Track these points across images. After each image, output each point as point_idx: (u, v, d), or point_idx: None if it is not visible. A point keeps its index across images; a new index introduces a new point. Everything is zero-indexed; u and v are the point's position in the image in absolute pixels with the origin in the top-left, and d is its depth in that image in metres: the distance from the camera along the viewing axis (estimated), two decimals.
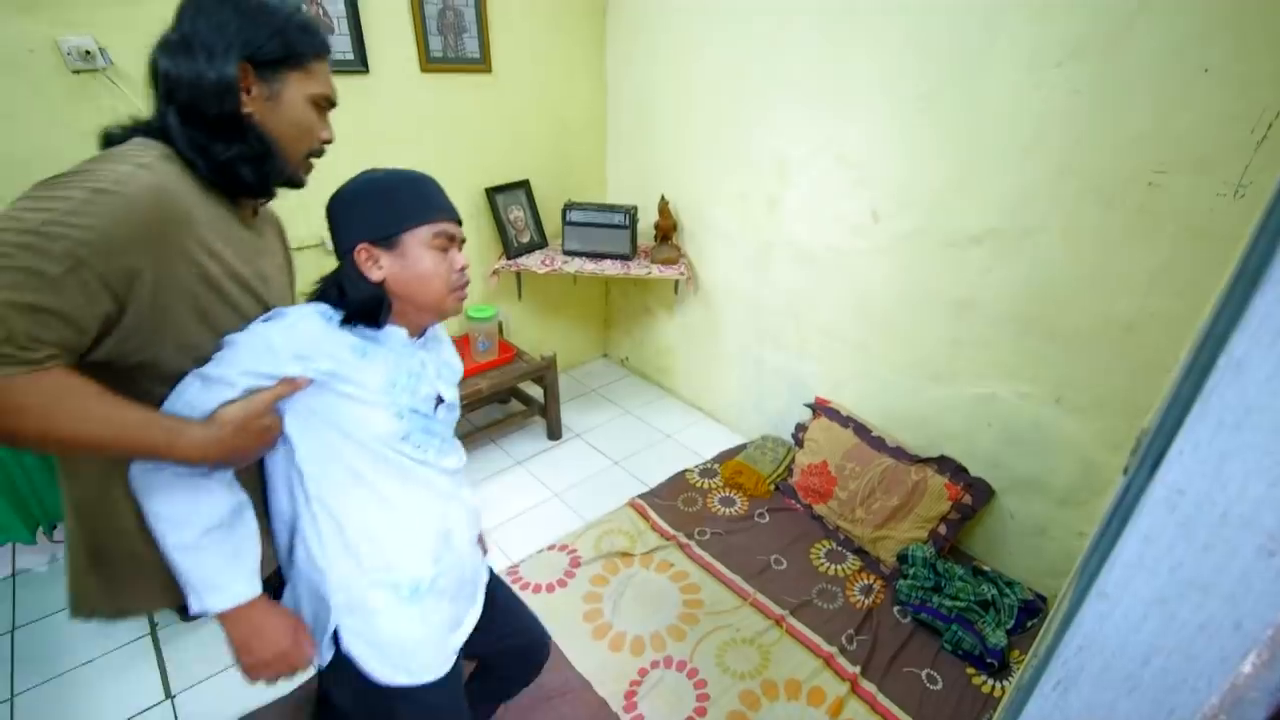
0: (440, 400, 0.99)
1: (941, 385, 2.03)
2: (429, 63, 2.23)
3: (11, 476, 1.87)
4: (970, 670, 1.73)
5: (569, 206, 2.57)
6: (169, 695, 1.64)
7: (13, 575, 1.98)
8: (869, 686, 1.68)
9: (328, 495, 0.89)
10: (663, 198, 2.59)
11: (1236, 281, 0.46)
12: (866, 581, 2.00)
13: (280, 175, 0.93)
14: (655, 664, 1.74)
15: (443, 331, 1.10)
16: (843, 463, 2.20)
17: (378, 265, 0.90)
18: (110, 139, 0.85)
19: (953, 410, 2.03)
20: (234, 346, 0.83)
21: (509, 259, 2.56)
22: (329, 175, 2.31)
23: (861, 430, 2.22)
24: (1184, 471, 0.47)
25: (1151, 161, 1.44)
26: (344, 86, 2.20)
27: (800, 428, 2.40)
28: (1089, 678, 0.57)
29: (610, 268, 2.54)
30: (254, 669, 0.87)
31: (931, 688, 1.68)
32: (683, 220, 2.68)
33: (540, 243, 2.71)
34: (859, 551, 2.11)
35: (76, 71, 1.63)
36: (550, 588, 1.97)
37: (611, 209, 2.56)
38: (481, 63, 2.37)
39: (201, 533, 0.82)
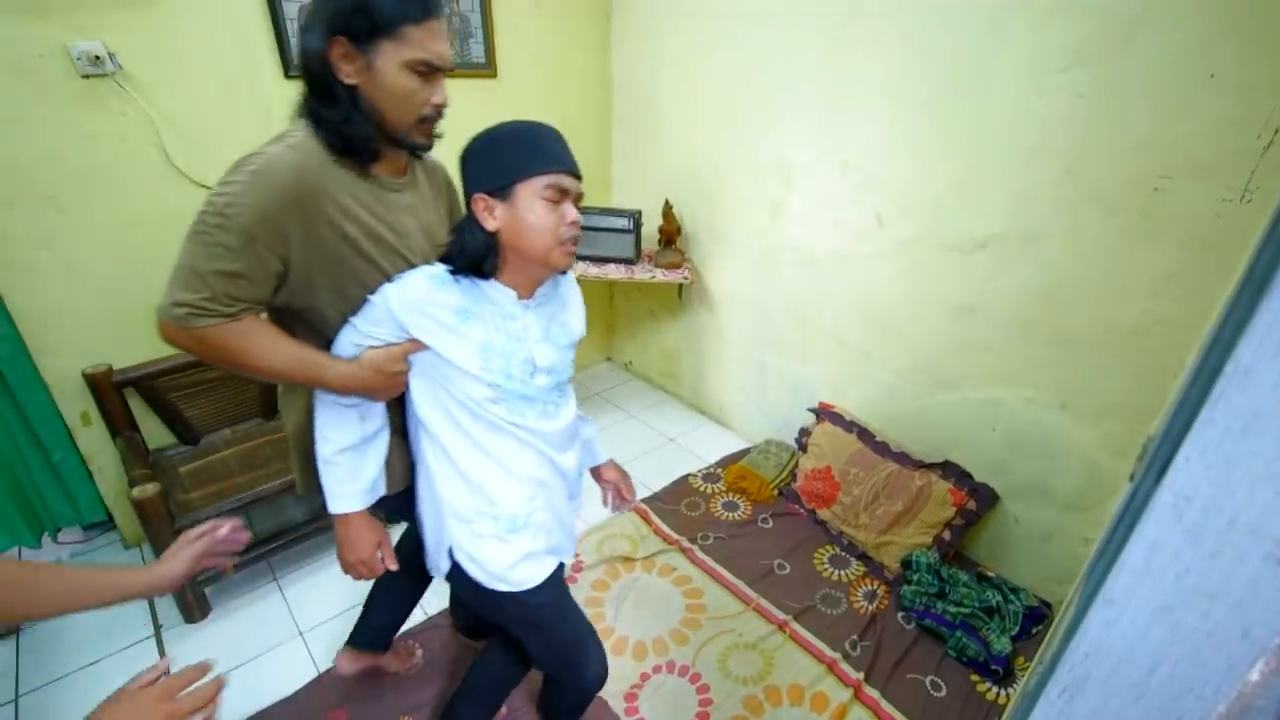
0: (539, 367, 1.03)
1: (946, 390, 2.03)
2: None
3: (19, 480, 1.89)
4: (975, 677, 1.72)
5: None
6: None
7: None
8: (872, 693, 1.67)
9: (441, 437, 1.01)
10: (666, 202, 2.59)
11: (1243, 287, 0.46)
12: (870, 587, 1.99)
13: (391, 141, 1.00)
14: (657, 668, 1.74)
15: (571, 293, 1.13)
16: (846, 468, 2.19)
17: (492, 215, 0.94)
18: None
19: (957, 415, 2.03)
20: (369, 304, 0.98)
21: None
22: None
23: (865, 435, 2.22)
24: (1190, 478, 0.47)
25: (1156, 167, 1.44)
26: None
27: (804, 432, 2.40)
28: (1095, 685, 0.57)
29: (614, 271, 2.55)
30: (344, 566, 1.10)
31: (935, 695, 1.67)
32: (687, 225, 2.69)
33: None
34: (863, 557, 2.10)
35: (86, 76, 1.64)
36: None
37: (616, 213, 2.56)
38: (487, 67, 2.38)
39: (337, 450, 1.02)
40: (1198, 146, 1.38)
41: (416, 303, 0.95)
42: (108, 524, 2.11)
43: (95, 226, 1.78)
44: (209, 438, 2.09)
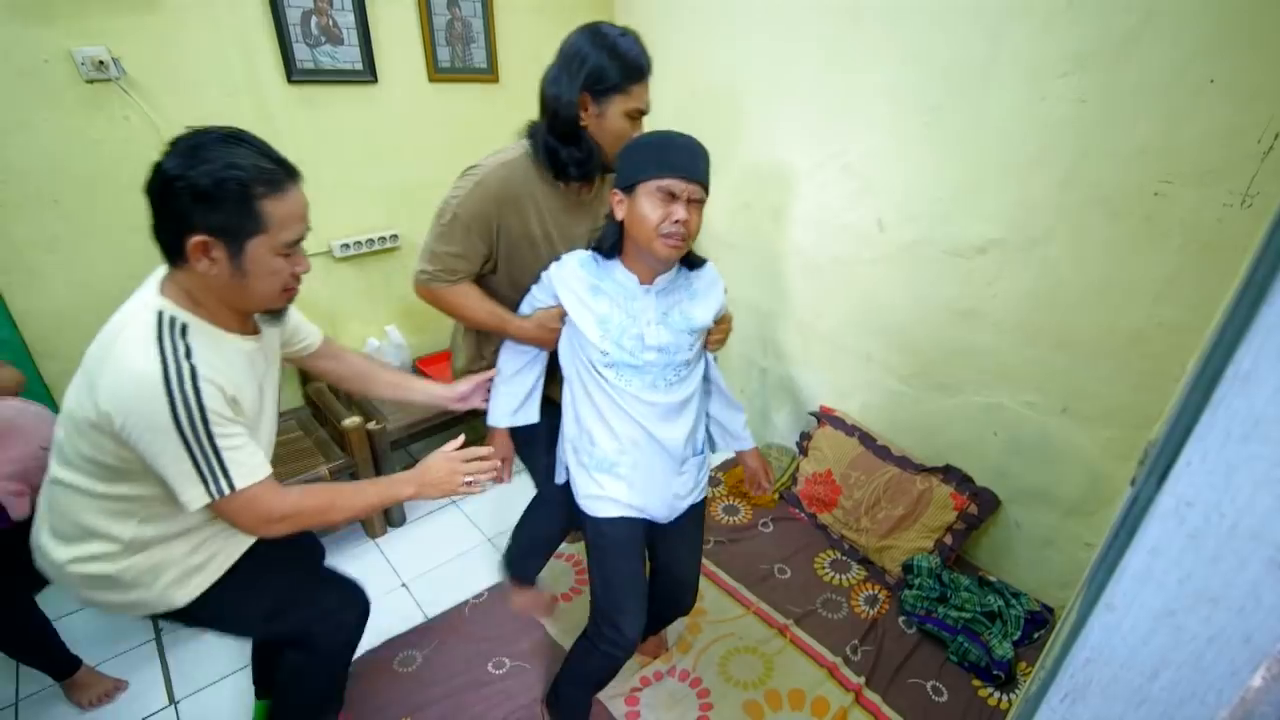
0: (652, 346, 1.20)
1: (947, 395, 2.03)
2: (437, 73, 2.25)
3: None
4: (976, 682, 1.71)
5: None
6: (172, 701, 1.64)
7: None
8: (873, 698, 1.66)
9: (572, 383, 1.28)
10: None
11: (1244, 292, 0.46)
12: (871, 591, 1.99)
13: (598, 170, 1.29)
14: (658, 673, 1.74)
15: (705, 286, 1.27)
16: (848, 471, 2.19)
17: (620, 207, 1.14)
18: (530, 132, 1.29)
19: (958, 420, 2.03)
20: (542, 276, 1.28)
21: None
22: (343, 180, 2.32)
23: (866, 439, 2.22)
24: (1192, 483, 0.47)
25: (1158, 172, 1.44)
26: (352, 96, 2.23)
27: (805, 436, 2.40)
28: (1097, 690, 0.57)
29: None
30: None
31: (937, 699, 1.67)
32: None
33: None
34: (864, 561, 2.10)
35: (90, 81, 1.65)
36: (554, 600, 1.97)
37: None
38: (489, 72, 2.39)
39: (503, 380, 1.36)
40: (1199, 151, 1.38)
41: (564, 278, 1.23)
42: None
43: (98, 230, 1.79)
44: None
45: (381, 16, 2.07)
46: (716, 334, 1.31)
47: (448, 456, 1.16)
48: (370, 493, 1.12)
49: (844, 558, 2.13)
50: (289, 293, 1.02)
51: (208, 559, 1.10)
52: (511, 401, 1.36)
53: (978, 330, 1.88)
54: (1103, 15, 1.44)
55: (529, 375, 1.36)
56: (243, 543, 1.15)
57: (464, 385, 1.36)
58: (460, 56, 2.30)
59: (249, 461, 0.98)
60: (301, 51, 1.94)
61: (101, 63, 1.63)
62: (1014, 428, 1.89)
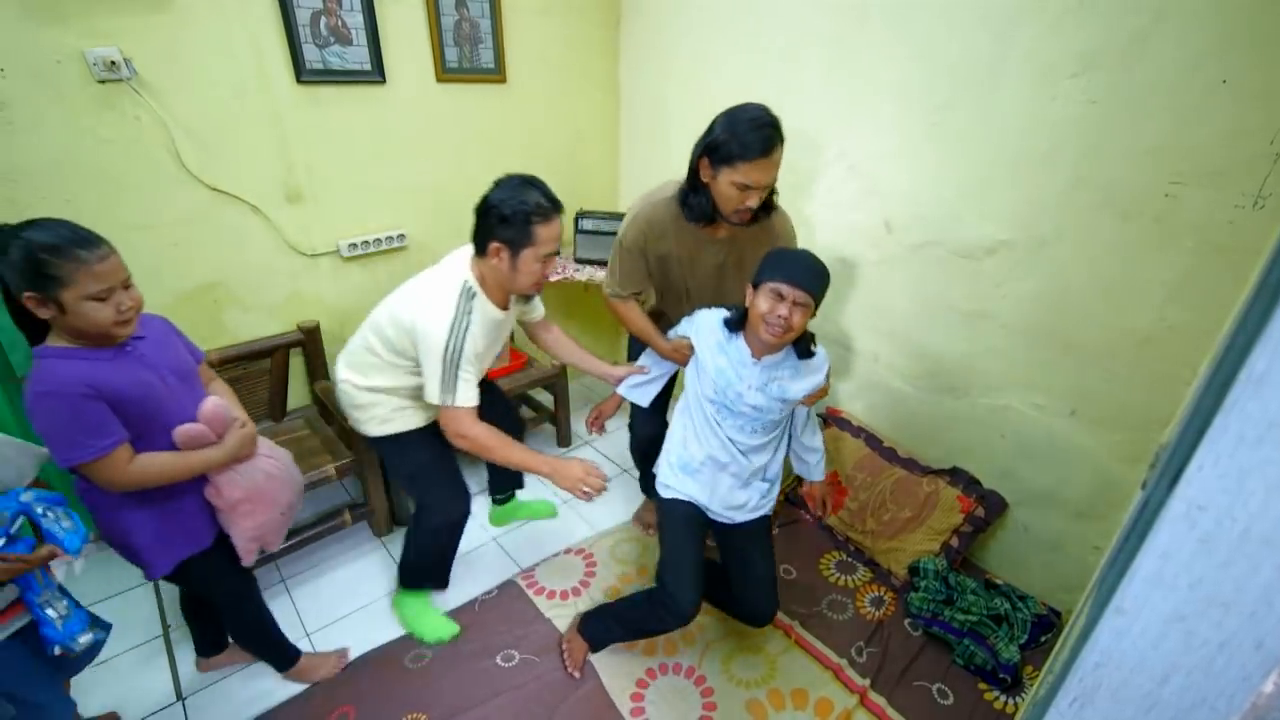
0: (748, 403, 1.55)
1: (954, 397, 2.02)
2: (445, 73, 2.26)
3: None
4: (982, 686, 1.70)
5: (581, 215, 2.58)
6: (180, 698, 1.65)
7: None
8: (878, 699, 1.66)
9: (686, 397, 1.67)
10: None
11: (1257, 294, 0.45)
12: (877, 593, 1.98)
13: (710, 218, 1.54)
14: (664, 667, 1.74)
15: (811, 369, 1.55)
16: (853, 473, 2.18)
17: (749, 296, 1.46)
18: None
19: (966, 422, 2.02)
20: (689, 316, 1.68)
21: None
22: (351, 180, 2.33)
23: (873, 440, 2.21)
24: (1203, 487, 0.47)
25: (1168, 173, 1.43)
26: (361, 97, 2.24)
27: None
28: (1106, 694, 0.56)
29: None
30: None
31: (942, 702, 1.66)
32: None
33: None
34: (870, 563, 2.09)
35: (101, 81, 1.67)
36: (564, 595, 1.98)
37: (623, 218, 2.57)
38: (496, 73, 2.40)
39: (644, 383, 1.83)
40: (1210, 153, 1.37)
41: (699, 328, 1.62)
42: None
43: (109, 229, 1.77)
44: None
45: (390, 17, 2.08)
46: (811, 399, 1.62)
47: (585, 465, 1.52)
48: (521, 453, 1.54)
49: (849, 559, 2.12)
50: (539, 286, 1.54)
51: (399, 418, 1.65)
52: (638, 386, 1.85)
53: (986, 332, 1.87)
54: (1112, 15, 1.43)
55: (654, 379, 1.84)
56: (421, 422, 1.67)
57: (621, 370, 1.85)
58: (468, 57, 2.31)
59: (467, 393, 1.48)
60: (311, 52, 1.95)
61: (113, 63, 1.65)
62: (1022, 430, 1.88)
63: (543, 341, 1.90)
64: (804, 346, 1.52)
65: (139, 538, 1.28)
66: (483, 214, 1.45)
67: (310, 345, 2.24)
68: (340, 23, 1.98)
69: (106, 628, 1.32)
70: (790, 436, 1.73)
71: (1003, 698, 1.67)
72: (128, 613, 1.89)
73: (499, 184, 1.45)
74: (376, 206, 2.28)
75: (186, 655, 1.76)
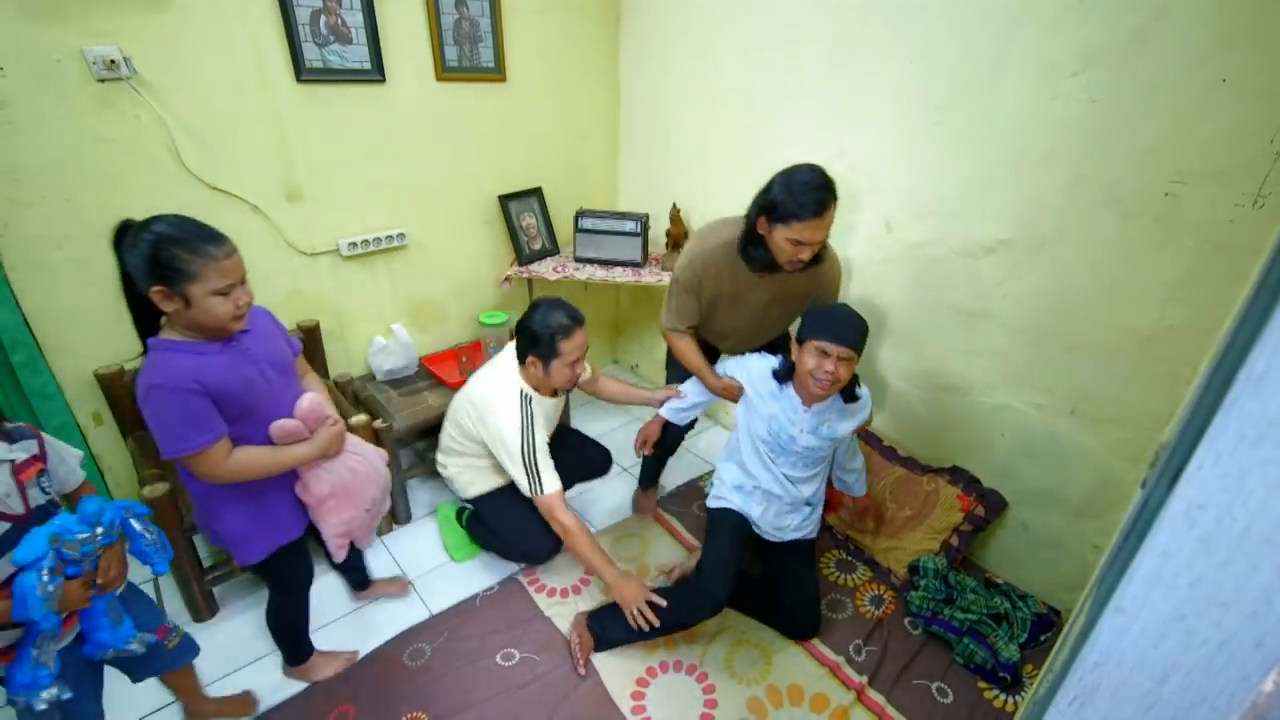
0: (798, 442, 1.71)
1: (955, 396, 2.02)
2: (444, 72, 2.26)
3: None
4: (982, 684, 1.70)
5: (581, 214, 2.58)
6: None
7: None
8: (877, 697, 1.66)
9: (738, 429, 1.82)
10: (674, 205, 2.60)
11: (1257, 294, 0.45)
12: (876, 592, 1.98)
13: (768, 267, 1.65)
14: (665, 665, 1.74)
15: (858, 409, 1.71)
16: None
17: (795, 350, 1.61)
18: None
19: (966, 421, 2.02)
20: (740, 358, 1.82)
21: (521, 265, 2.58)
22: (351, 179, 2.33)
23: (873, 439, 2.21)
24: (1203, 486, 0.47)
25: (1169, 172, 1.43)
26: (360, 95, 2.24)
27: None
28: (1106, 693, 0.56)
29: (621, 275, 2.55)
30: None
31: (942, 700, 1.66)
32: (694, 228, 2.69)
33: (552, 250, 2.72)
34: (869, 562, 2.09)
35: (101, 80, 1.66)
36: (565, 593, 1.98)
37: (623, 216, 2.57)
38: (496, 71, 2.40)
39: (682, 399, 1.95)
40: (1210, 151, 1.37)
41: (751, 376, 1.77)
42: None
43: (108, 228, 1.78)
44: None
45: (389, 16, 2.08)
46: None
47: (645, 591, 1.69)
48: (594, 556, 1.71)
49: (849, 558, 2.12)
50: (571, 383, 1.80)
51: (481, 481, 1.97)
52: (680, 410, 1.98)
53: (986, 331, 1.87)
54: (1113, 13, 1.43)
55: (696, 405, 1.97)
56: (499, 483, 1.97)
57: (660, 394, 2.01)
58: (468, 56, 2.30)
59: (551, 481, 1.74)
60: (310, 51, 1.95)
61: (113, 62, 1.64)
62: (1022, 429, 1.88)
63: (595, 391, 2.09)
64: (850, 391, 1.65)
65: (233, 527, 1.34)
66: (519, 334, 1.72)
67: (310, 344, 2.23)
68: (340, 21, 1.98)
69: (178, 636, 1.40)
70: (833, 462, 1.90)
71: (1003, 696, 1.67)
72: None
73: (532, 308, 1.71)
74: (376, 205, 2.28)
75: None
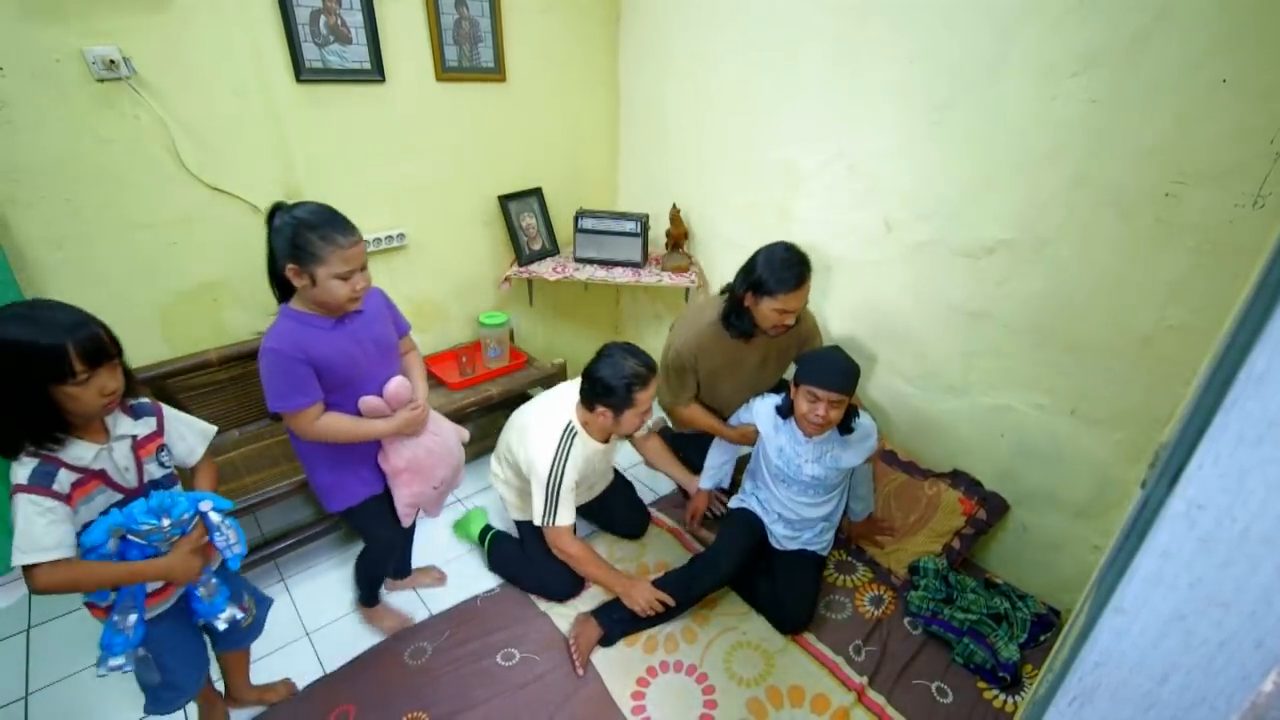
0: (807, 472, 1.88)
1: (954, 396, 2.02)
2: (444, 72, 2.26)
3: None
4: (981, 684, 1.70)
5: (581, 214, 2.58)
6: None
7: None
8: (877, 697, 1.66)
9: (757, 456, 2.00)
10: (674, 206, 2.60)
11: (1257, 293, 0.45)
12: (876, 592, 1.98)
13: (751, 334, 1.90)
14: (665, 665, 1.75)
15: (859, 439, 1.83)
16: None
17: (793, 391, 1.78)
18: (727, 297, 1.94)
19: (966, 422, 2.02)
20: (747, 404, 2.02)
21: (521, 266, 2.58)
22: (350, 179, 2.32)
23: None
24: (1203, 486, 0.46)
25: (1170, 172, 1.43)
26: (360, 96, 2.24)
27: None
28: (1106, 694, 0.56)
29: (621, 275, 2.55)
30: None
31: (941, 700, 1.66)
32: (694, 229, 2.69)
33: (552, 250, 2.72)
34: (870, 563, 2.09)
35: (101, 80, 1.66)
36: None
37: (623, 216, 2.57)
38: (496, 72, 2.40)
39: (713, 465, 2.19)
40: (1211, 152, 1.37)
41: (759, 415, 1.94)
42: None
43: (108, 228, 1.80)
44: (218, 438, 2.09)
45: (389, 16, 2.08)
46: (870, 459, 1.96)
47: (653, 592, 1.78)
48: (602, 573, 1.81)
49: (850, 559, 2.12)
50: (636, 429, 1.78)
51: (528, 508, 1.85)
52: (715, 475, 2.19)
53: (987, 332, 1.87)
54: (1114, 13, 1.43)
55: (725, 464, 2.18)
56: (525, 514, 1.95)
57: (695, 482, 2.21)
58: (467, 56, 2.30)
59: (565, 515, 1.75)
60: (310, 51, 1.95)
61: (112, 62, 1.64)
62: (1022, 430, 1.88)
63: (642, 449, 2.21)
64: (844, 425, 1.78)
65: (321, 479, 1.54)
66: (589, 380, 1.71)
67: None
68: (340, 21, 1.98)
69: (263, 602, 1.49)
70: (848, 489, 2.01)
71: (1002, 696, 1.67)
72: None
73: (604, 356, 1.70)
74: (376, 206, 2.28)
75: None
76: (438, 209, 2.44)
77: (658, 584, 1.84)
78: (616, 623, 1.80)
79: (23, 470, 1.01)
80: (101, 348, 1.02)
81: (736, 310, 1.87)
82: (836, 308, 2.26)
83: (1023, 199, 1.69)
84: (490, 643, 1.79)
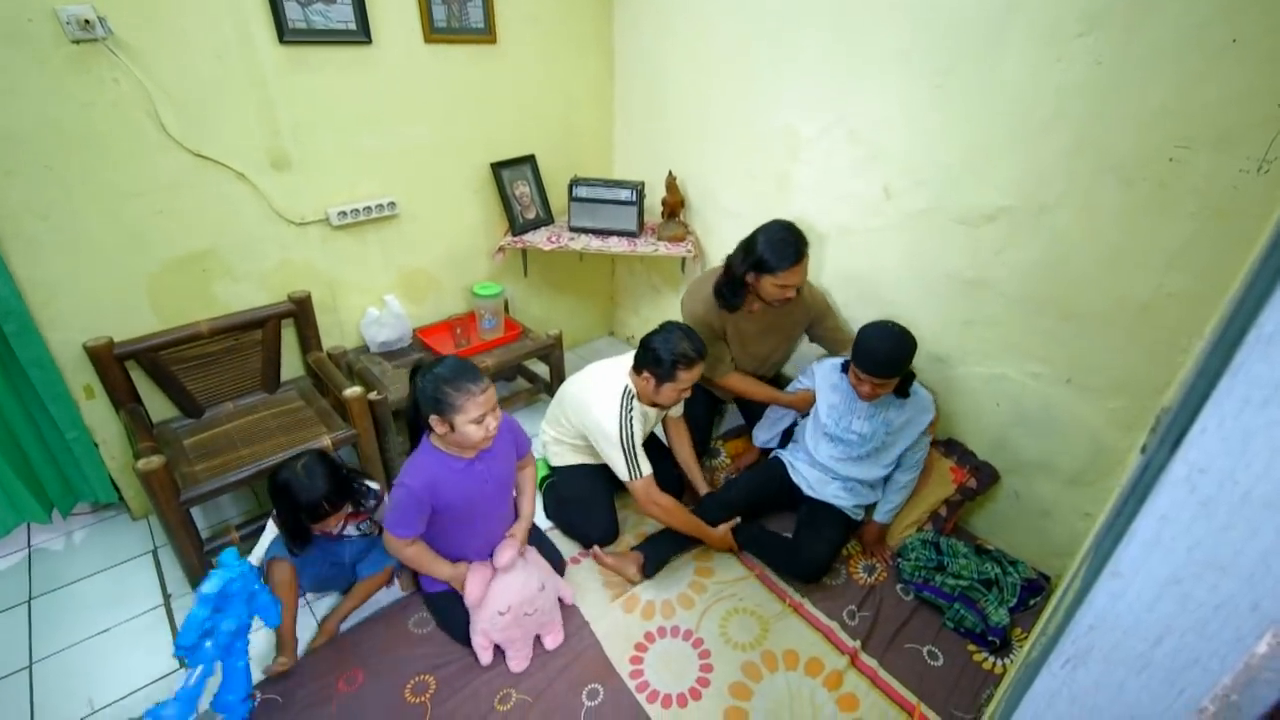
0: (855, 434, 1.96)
1: (950, 366, 2.02)
2: (433, 33, 2.19)
3: (29, 459, 1.89)
4: (971, 647, 1.74)
5: (575, 182, 2.54)
6: (183, 664, 1.67)
7: (28, 551, 2.02)
8: (870, 661, 1.69)
9: (812, 417, 2.08)
10: (670, 174, 2.55)
11: (1269, 254, 0.44)
12: (869, 560, 2.01)
13: (742, 305, 2.01)
14: (663, 630, 1.78)
15: (914, 405, 1.91)
16: None
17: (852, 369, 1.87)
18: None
19: (961, 391, 2.02)
20: (810, 366, 2.11)
21: (515, 235, 2.54)
22: (338, 145, 2.26)
23: None
24: (1205, 450, 0.46)
25: (1174, 137, 1.40)
26: (346, 58, 2.17)
27: None
28: (1099, 656, 0.57)
29: (617, 245, 2.52)
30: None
31: (932, 664, 1.70)
32: (690, 197, 2.65)
33: (546, 219, 2.68)
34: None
35: (76, 41, 1.60)
36: (575, 560, 2.02)
37: (618, 185, 2.53)
38: (486, 33, 2.32)
39: (768, 423, 2.31)
40: (1217, 115, 1.34)
41: (819, 373, 2.06)
42: (116, 498, 2.12)
43: (92, 196, 1.76)
44: (212, 410, 2.09)
45: None
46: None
47: (729, 536, 1.97)
48: (692, 523, 1.92)
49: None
50: (674, 404, 1.90)
51: (568, 456, 2.08)
52: (771, 429, 2.29)
53: (984, 300, 1.86)
54: None
55: (785, 420, 2.25)
56: (583, 460, 2.08)
57: (704, 488, 2.16)
58: (456, 16, 2.23)
59: (647, 466, 1.86)
60: (293, 10, 1.88)
61: (87, 21, 1.58)
62: (1017, 399, 1.89)
63: (670, 433, 2.21)
64: (901, 389, 1.86)
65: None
66: (644, 346, 1.82)
67: (302, 316, 2.21)
68: None
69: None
70: (889, 479, 2.02)
71: (991, 659, 1.71)
72: (129, 580, 1.90)
73: (663, 329, 1.82)
74: (365, 173, 2.23)
75: None
76: (429, 177, 2.40)
77: (657, 539, 1.99)
78: (658, 551, 1.96)
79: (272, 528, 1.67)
80: (341, 500, 1.63)
81: (730, 285, 1.95)
82: (834, 275, 2.24)
83: (1023, 165, 1.66)
84: None
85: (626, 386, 1.88)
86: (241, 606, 1.48)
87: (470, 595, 1.61)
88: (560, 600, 1.79)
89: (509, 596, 1.62)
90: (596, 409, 1.86)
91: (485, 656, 1.65)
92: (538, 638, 1.71)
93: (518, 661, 1.65)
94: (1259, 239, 0.64)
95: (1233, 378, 0.43)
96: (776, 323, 2.10)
